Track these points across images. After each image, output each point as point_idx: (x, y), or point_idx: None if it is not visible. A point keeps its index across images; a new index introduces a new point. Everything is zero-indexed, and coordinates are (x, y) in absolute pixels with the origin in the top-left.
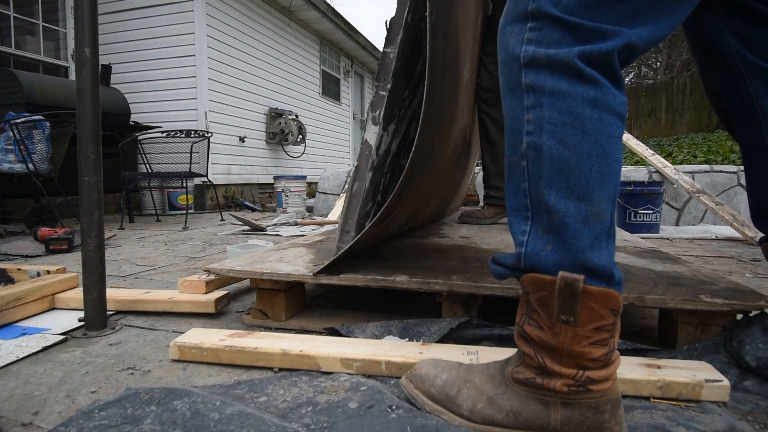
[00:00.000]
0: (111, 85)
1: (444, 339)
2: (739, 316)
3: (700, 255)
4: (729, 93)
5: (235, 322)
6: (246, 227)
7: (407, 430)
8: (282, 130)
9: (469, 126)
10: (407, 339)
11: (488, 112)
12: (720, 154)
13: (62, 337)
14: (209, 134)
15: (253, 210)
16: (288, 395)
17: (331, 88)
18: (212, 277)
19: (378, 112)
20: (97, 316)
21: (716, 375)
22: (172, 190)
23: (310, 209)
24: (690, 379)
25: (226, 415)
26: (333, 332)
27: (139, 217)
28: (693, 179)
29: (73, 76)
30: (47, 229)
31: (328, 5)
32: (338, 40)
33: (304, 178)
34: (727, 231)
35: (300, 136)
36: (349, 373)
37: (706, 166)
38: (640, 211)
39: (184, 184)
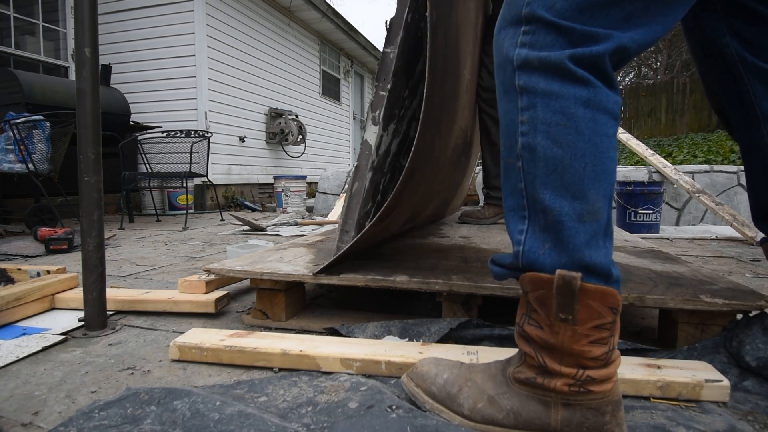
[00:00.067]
0: (111, 85)
1: (444, 339)
2: (739, 316)
3: (700, 255)
4: (728, 93)
5: (235, 322)
6: (246, 227)
7: (407, 430)
8: (282, 130)
9: (470, 126)
10: (407, 339)
11: (489, 112)
12: (720, 154)
13: (62, 337)
14: (209, 134)
15: (253, 210)
16: (288, 395)
17: (331, 88)
18: (212, 277)
19: (378, 112)
20: (97, 316)
21: (716, 375)
22: (172, 190)
23: (310, 209)
24: (690, 379)
25: (226, 415)
26: (333, 332)
27: (139, 217)
28: (693, 179)
29: (73, 76)
30: (47, 229)
31: (328, 5)
32: (338, 40)
33: (304, 178)
34: (727, 231)
35: (300, 136)
36: (349, 373)
37: (706, 166)
38: (640, 211)
39: (184, 184)
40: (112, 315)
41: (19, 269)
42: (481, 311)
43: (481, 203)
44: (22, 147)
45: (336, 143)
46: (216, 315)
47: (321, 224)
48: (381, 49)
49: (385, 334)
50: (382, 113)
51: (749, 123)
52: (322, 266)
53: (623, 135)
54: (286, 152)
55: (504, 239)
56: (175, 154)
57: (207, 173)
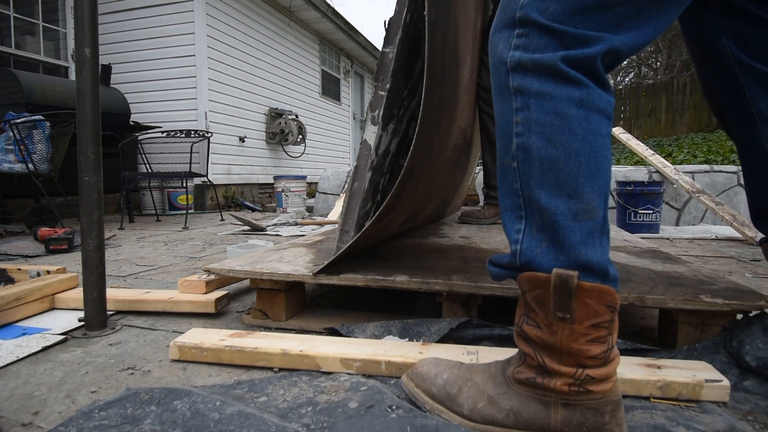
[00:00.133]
0: (111, 85)
1: (444, 339)
2: (739, 316)
3: (700, 255)
4: (725, 93)
5: (235, 322)
6: (246, 227)
7: (407, 430)
8: (282, 130)
9: (470, 126)
10: (407, 339)
11: (489, 112)
12: (720, 154)
13: (62, 337)
14: (209, 134)
15: (253, 210)
16: (288, 395)
17: (331, 88)
18: (212, 277)
19: (377, 112)
20: (97, 316)
21: (716, 375)
22: (172, 190)
23: (310, 209)
24: (690, 379)
25: (226, 415)
26: (333, 332)
27: (139, 217)
28: (693, 179)
29: (73, 76)
30: (47, 229)
31: (328, 5)
32: (338, 40)
33: (304, 178)
34: (727, 231)
35: (300, 136)
36: (349, 373)
37: (706, 166)
38: (640, 211)
39: (184, 184)
40: (112, 315)
41: (19, 269)
42: (481, 311)
43: (481, 203)
44: (22, 147)
45: (336, 143)
46: (216, 315)
47: (321, 224)
48: (380, 49)
49: (385, 334)
50: (381, 113)
51: (747, 123)
52: (322, 266)
53: (623, 135)
54: (286, 152)
55: (504, 239)
56: (175, 154)
57: (207, 173)
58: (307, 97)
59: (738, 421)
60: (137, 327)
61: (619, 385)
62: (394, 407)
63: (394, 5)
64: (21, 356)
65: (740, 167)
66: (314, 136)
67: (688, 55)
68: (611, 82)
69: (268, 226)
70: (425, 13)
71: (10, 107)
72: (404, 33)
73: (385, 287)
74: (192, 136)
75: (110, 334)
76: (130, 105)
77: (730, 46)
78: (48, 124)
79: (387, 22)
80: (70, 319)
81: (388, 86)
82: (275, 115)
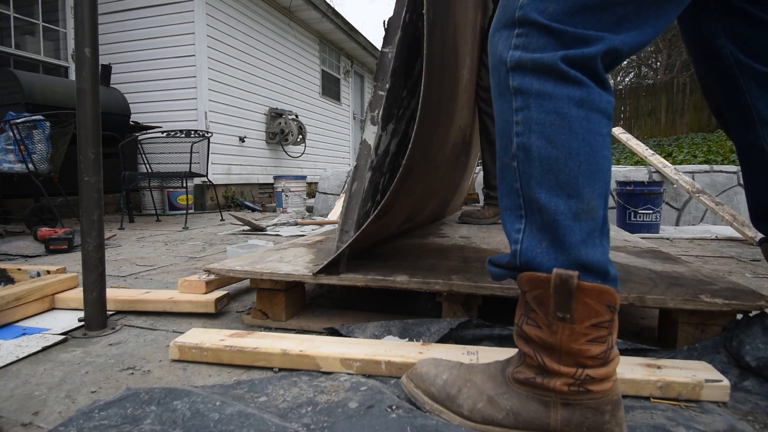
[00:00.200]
0: (111, 85)
1: (444, 339)
2: (739, 316)
3: (700, 255)
4: (725, 93)
5: (235, 322)
6: (246, 227)
7: (407, 430)
8: (282, 130)
9: (469, 126)
10: (407, 339)
11: (489, 112)
12: (720, 154)
13: (62, 337)
14: (209, 134)
15: (253, 210)
16: (288, 395)
17: (331, 88)
18: (212, 277)
19: (376, 111)
20: (97, 316)
21: (716, 375)
22: (172, 190)
23: (310, 209)
24: (690, 379)
25: (226, 415)
26: (333, 332)
27: (139, 217)
28: (693, 179)
29: (73, 76)
30: (47, 229)
31: (328, 5)
32: (338, 40)
33: (304, 178)
34: (727, 231)
35: (300, 136)
36: (349, 373)
37: (706, 166)
38: (640, 211)
39: (184, 184)
40: (112, 315)
41: (19, 269)
42: (481, 311)
43: (481, 203)
44: (22, 147)
45: (336, 143)
46: (216, 315)
47: (321, 224)
48: (380, 49)
49: (385, 334)
50: (380, 113)
51: (746, 123)
52: (321, 266)
53: (623, 135)
54: (286, 152)
55: (504, 239)
56: (175, 154)
57: (207, 173)
58: (307, 97)
59: (738, 421)
60: (137, 327)
61: (619, 385)
62: (394, 407)
63: (394, 5)
64: (21, 356)
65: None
66: (314, 136)
67: (688, 55)
68: (611, 82)
69: (268, 226)
70: (424, 12)
71: (10, 107)
72: (404, 33)
73: (385, 287)
74: (192, 136)
75: (110, 334)
76: (130, 105)
77: (729, 47)
78: (48, 124)
79: (386, 22)
80: (70, 319)
81: (387, 86)
82: (275, 115)
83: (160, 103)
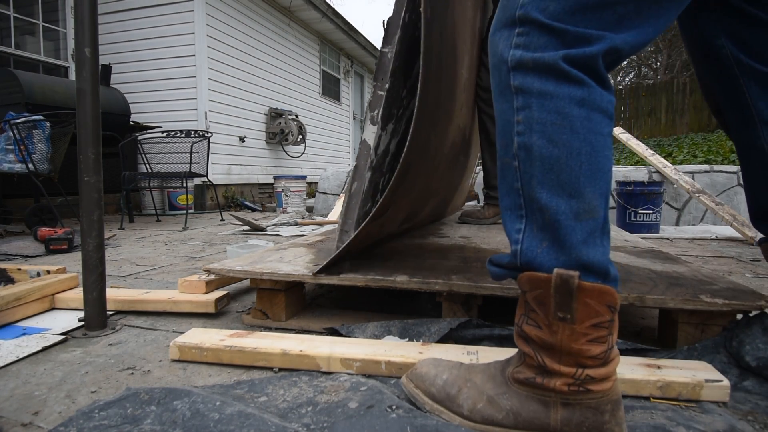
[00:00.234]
0: (111, 85)
1: (444, 339)
2: (739, 316)
3: (700, 255)
4: (724, 93)
5: (235, 322)
6: (246, 227)
7: (407, 430)
8: (282, 130)
9: (468, 125)
10: (407, 339)
11: (488, 112)
12: (720, 154)
13: (62, 337)
14: (209, 134)
15: (253, 210)
16: (288, 395)
17: (331, 88)
18: (212, 277)
19: (376, 111)
20: (97, 316)
21: (716, 375)
22: (172, 190)
23: (310, 209)
24: (690, 379)
25: (226, 415)
26: (333, 332)
27: (139, 217)
28: (693, 179)
29: (73, 76)
30: (47, 229)
31: (328, 5)
32: (338, 40)
33: (304, 178)
34: (727, 231)
35: (300, 136)
36: (349, 373)
37: (706, 166)
38: (640, 211)
39: (184, 184)
40: (112, 315)
41: (19, 269)
42: (481, 311)
43: (481, 203)
44: (22, 147)
45: (336, 143)
46: (216, 315)
47: (321, 224)
48: (379, 49)
49: (385, 334)
50: (380, 113)
51: (746, 123)
52: (321, 266)
53: (623, 135)
54: (286, 152)
55: (504, 239)
56: (175, 154)
57: (207, 173)
58: (307, 97)
59: (738, 421)
60: (137, 327)
61: (619, 385)
62: (394, 407)
63: (393, 5)
64: (21, 356)
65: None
66: (314, 136)
67: (687, 55)
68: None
69: (268, 226)
70: (421, 9)
71: (10, 107)
72: (403, 33)
73: (385, 287)
74: (192, 136)
75: (110, 334)
76: (130, 105)
77: (729, 46)
78: (48, 124)
79: (386, 22)
80: (70, 319)
81: (387, 86)
82: (275, 115)
83: (160, 103)
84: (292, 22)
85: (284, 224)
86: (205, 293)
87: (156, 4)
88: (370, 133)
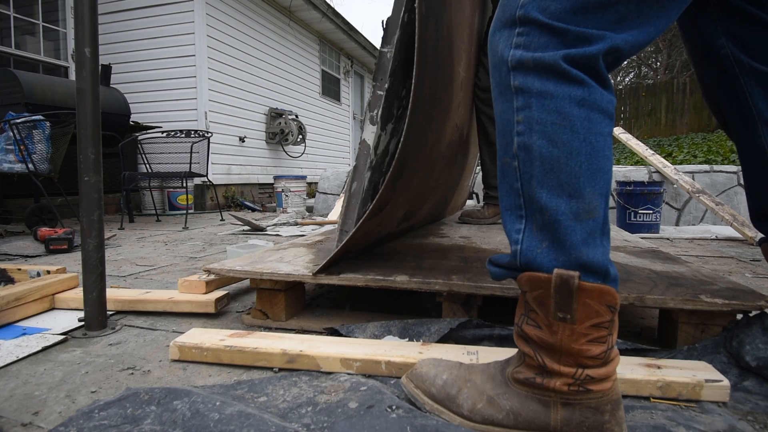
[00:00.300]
0: (111, 85)
1: (444, 339)
2: (739, 316)
3: (700, 255)
4: (725, 93)
5: (235, 322)
6: (246, 227)
7: (407, 430)
8: (282, 130)
9: (466, 125)
10: (407, 339)
11: (487, 112)
12: (720, 154)
13: (62, 337)
14: (209, 134)
15: (253, 210)
16: (288, 395)
17: (331, 88)
18: (212, 277)
19: (376, 111)
20: (97, 316)
21: (716, 375)
22: (172, 190)
23: (310, 209)
24: (690, 379)
25: (226, 415)
26: (333, 332)
27: (139, 217)
28: (693, 179)
29: (73, 76)
30: (47, 229)
31: (328, 5)
32: (338, 40)
33: (304, 178)
34: (727, 231)
35: (300, 136)
36: (349, 373)
37: (706, 166)
38: (640, 211)
39: (184, 184)
40: (112, 315)
41: (19, 269)
42: (481, 311)
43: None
44: (22, 147)
45: (336, 143)
46: (216, 315)
47: (321, 224)
48: (379, 49)
49: (385, 334)
50: (379, 113)
51: (746, 123)
52: (321, 266)
53: (623, 135)
54: (286, 152)
55: (504, 239)
56: (175, 154)
57: (207, 173)
58: (307, 97)
59: (738, 421)
60: (137, 327)
61: (619, 385)
62: (394, 407)
63: (392, 5)
64: (21, 356)
65: (740, 167)
66: (314, 136)
67: (687, 55)
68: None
69: (268, 226)
70: (416, 5)
71: (10, 107)
72: (402, 33)
73: (385, 287)
74: (192, 136)
75: (110, 334)
76: (130, 105)
77: (729, 47)
78: (48, 124)
79: (385, 22)
80: (70, 319)
81: (386, 86)
82: (275, 115)
83: (160, 103)
84: (292, 22)
85: (284, 224)
86: (205, 293)
87: (156, 4)
88: (370, 133)
